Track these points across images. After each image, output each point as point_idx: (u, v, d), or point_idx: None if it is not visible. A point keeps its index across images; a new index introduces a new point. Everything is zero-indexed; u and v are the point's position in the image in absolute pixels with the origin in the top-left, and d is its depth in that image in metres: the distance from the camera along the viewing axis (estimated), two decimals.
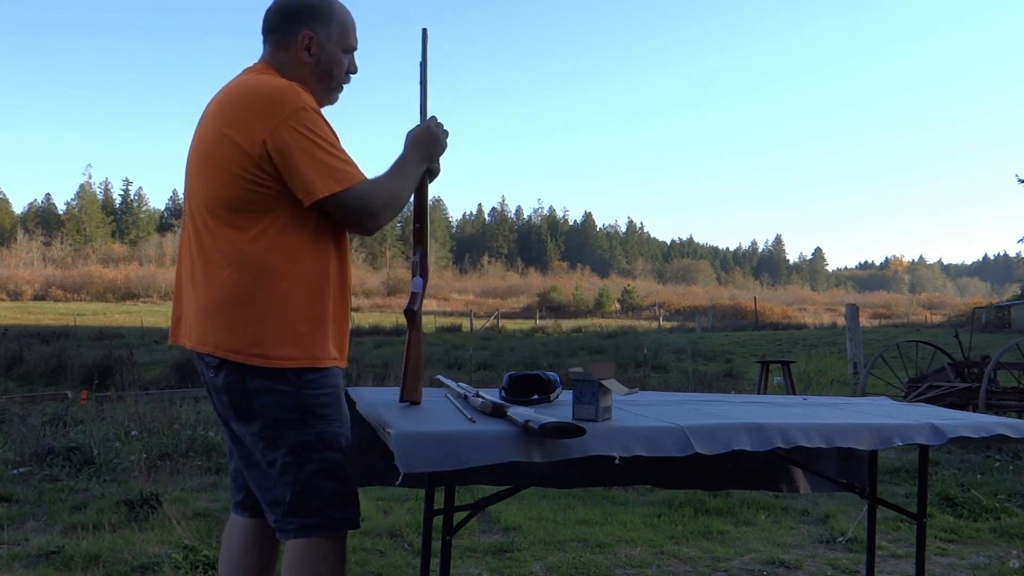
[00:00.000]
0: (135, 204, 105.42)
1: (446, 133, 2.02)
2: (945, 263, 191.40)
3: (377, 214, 1.78)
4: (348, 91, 2.03)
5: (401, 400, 2.07)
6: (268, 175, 1.74)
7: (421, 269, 2.06)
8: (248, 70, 1.92)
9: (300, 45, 1.89)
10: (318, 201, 1.73)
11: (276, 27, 1.91)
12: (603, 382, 1.85)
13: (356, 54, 2.01)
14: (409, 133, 1.98)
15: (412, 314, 2.03)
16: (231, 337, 1.75)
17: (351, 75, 2.00)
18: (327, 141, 1.75)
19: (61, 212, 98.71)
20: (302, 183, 1.73)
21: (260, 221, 1.76)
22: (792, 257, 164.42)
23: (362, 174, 1.79)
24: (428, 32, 2.10)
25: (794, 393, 7.45)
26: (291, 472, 1.77)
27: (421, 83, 2.10)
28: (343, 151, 1.79)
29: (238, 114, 1.76)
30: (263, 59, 1.94)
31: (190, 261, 1.86)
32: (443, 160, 2.07)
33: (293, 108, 1.73)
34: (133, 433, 6.49)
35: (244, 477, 1.95)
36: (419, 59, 2.09)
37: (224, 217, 1.78)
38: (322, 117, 1.79)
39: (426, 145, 1.96)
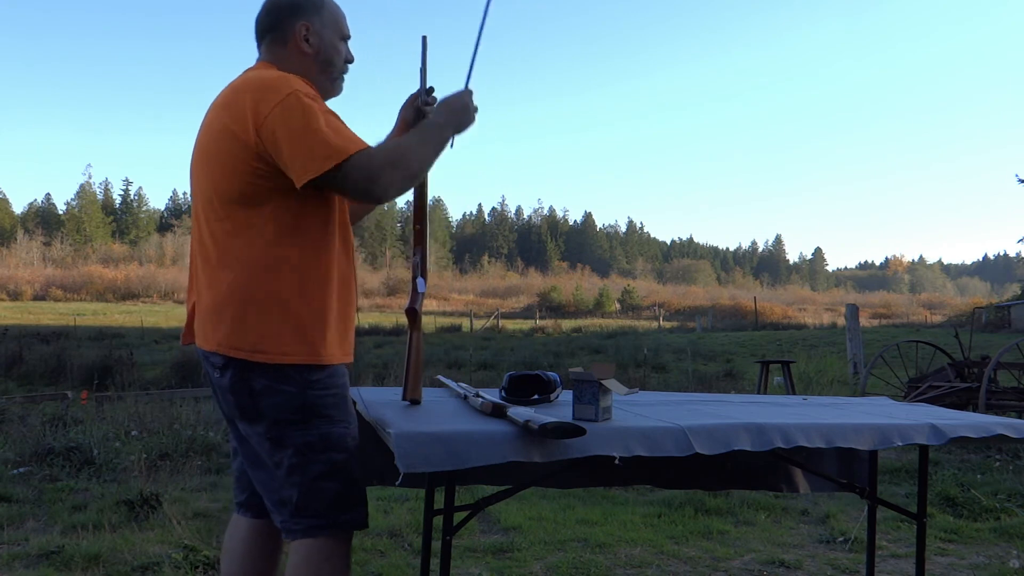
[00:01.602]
0: (135, 204, 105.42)
1: (476, 108, 1.99)
2: (945, 263, 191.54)
3: (376, 178, 1.72)
4: (345, 94, 2.04)
5: (404, 399, 2.07)
6: (267, 166, 1.74)
7: (422, 269, 2.07)
8: (247, 70, 1.93)
9: (299, 37, 1.90)
10: (312, 182, 1.70)
11: (272, 25, 1.92)
12: (603, 382, 1.85)
13: (350, 44, 2.02)
14: (443, 98, 1.96)
15: (415, 313, 2.04)
16: (234, 334, 1.75)
17: (348, 64, 2.00)
18: (313, 123, 1.71)
19: (61, 212, 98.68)
20: (292, 167, 1.71)
21: (260, 216, 1.76)
22: (792, 257, 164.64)
23: (360, 144, 1.74)
24: (428, 39, 2.11)
25: (794, 393, 7.45)
26: (297, 473, 1.77)
27: (422, 75, 2.10)
28: (337, 127, 1.74)
29: (235, 107, 1.76)
30: (261, 59, 1.95)
31: (196, 260, 1.87)
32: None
33: (282, 95, 1.73)
34: (133, 433, 6.49)
35: (248, 477, 1.95)
36: (419, 65, 2.09)
37: (224, 213, 1.78)
38: (315, 100, 1.77)
39: (456, 112, 1.93)
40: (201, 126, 1.90)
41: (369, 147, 1.75)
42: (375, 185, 1.73)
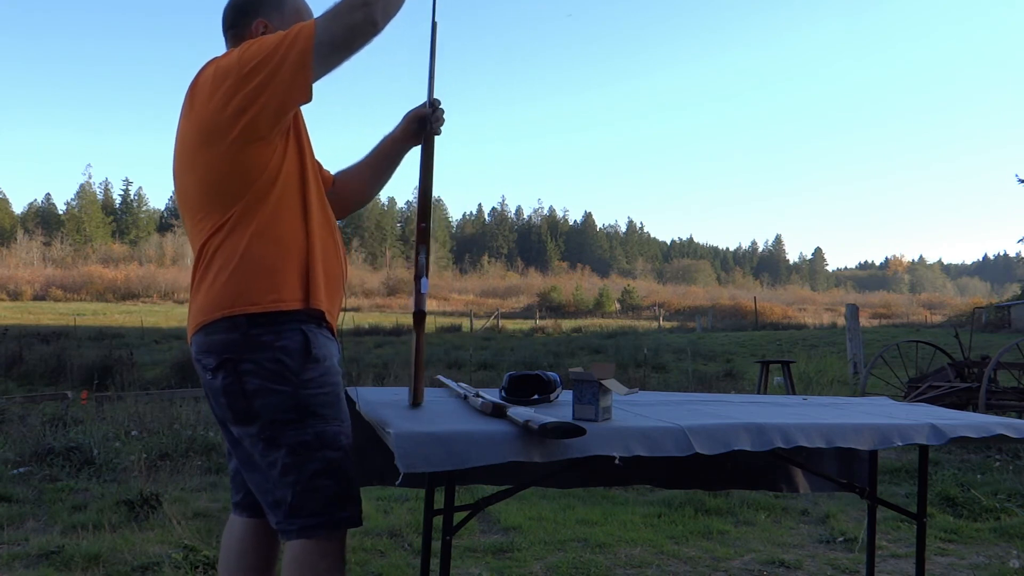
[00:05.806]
0: (135, 204, 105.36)
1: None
2: (945, 263, 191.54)
3: (355, 17, 1.71)
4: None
5: (414, 405, 2.03)
6: (244, 138, 1.75)
7: (426, 269, 2.07)
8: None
9: (256, 34, 1.91)
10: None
11: (232, 22, 1.94)
12: (603, 382, 1.85)
13: None
14: None
15: (423, 316, 2.03)
16: (216, 303, 1.78)
17: None
18: (266, 56, 1.72)
19: (61, 212, 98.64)
20: (293, 103, 1.76)
21: (227, 210, 1.79)
22: (792, 257, 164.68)
23: (307, 24, 1.73)
24: (437, 26, 2.05)
25: (794, 393, 7.45)
26: (292, 472, 1.77)
27: (430, 80, 2.07)
28: (282, 38, 1.74)
29: (198, 99, 1.80)
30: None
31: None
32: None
33: (236, 64, 1.75)
34: (133, 433, 6.50)
35: (243, 477, 1.96)
36: (425, 56, 2.05)
37: (195, 212, 1.83)
38: (254, 42, 1.78)
39: None
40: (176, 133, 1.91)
41: (318, 18, 1.74)
42: (358, 28, 1.72)
